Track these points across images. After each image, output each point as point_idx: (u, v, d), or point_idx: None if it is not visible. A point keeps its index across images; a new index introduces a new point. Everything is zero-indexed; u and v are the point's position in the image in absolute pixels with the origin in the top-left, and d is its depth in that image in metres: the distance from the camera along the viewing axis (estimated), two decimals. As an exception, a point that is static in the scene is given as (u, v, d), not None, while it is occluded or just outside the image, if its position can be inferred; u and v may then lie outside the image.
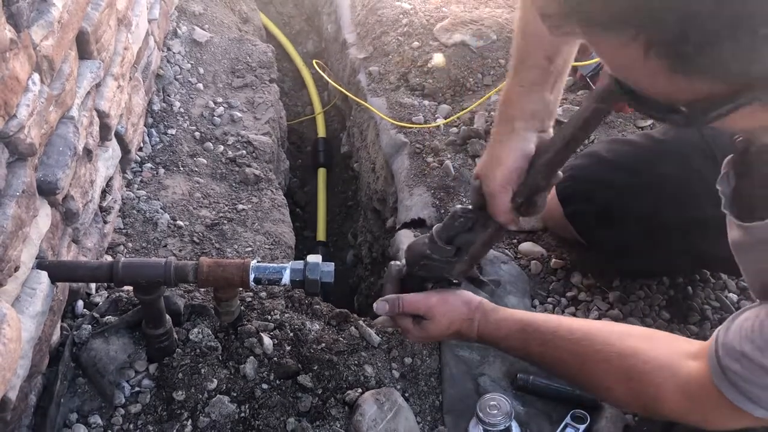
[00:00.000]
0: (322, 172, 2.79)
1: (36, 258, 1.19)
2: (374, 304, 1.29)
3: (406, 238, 1.81)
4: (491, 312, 1.27)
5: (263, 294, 1.53)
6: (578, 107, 2.09)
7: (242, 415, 1.28)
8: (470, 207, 1.25)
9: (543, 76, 1.17)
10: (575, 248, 1.71)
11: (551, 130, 1.20)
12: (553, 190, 1.62)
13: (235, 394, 1.30)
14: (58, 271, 1.23)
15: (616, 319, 1.57)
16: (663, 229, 1.42)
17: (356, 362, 1.38)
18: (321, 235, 2.59)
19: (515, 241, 1.78)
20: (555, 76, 1.18)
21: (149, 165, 1.89)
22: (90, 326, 1.35)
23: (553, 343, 1.16)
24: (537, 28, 1.13)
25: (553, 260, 1.70)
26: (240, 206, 1.86)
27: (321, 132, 2.91)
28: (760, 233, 0.89)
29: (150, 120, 2.03)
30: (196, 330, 1.36)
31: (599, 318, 1.57)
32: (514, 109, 1.18)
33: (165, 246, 1.67)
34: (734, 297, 1.66)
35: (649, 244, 1.47)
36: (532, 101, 1.17)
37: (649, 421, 1.30)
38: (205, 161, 1.96)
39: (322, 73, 2.59)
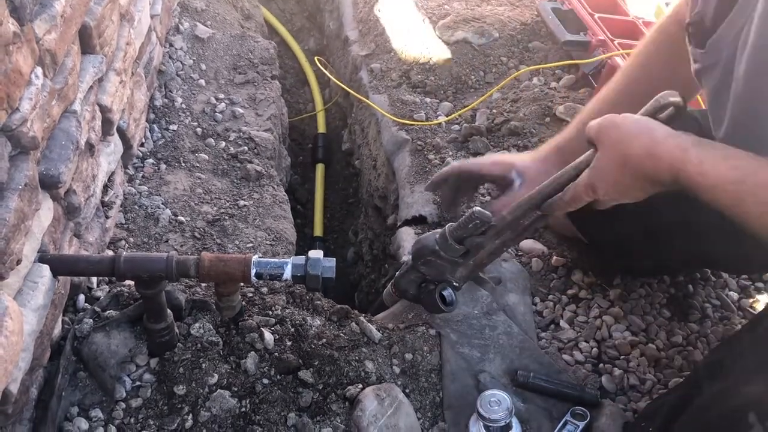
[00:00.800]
0: (320, 168, 2.79)
1: (38, 251, 1.19)
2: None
3: (407, 235, 1.81)
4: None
5: (264, 289, 1.54)
6: (581, 105, 2.10)
7: (243, 409, 1.28)
8: (485, 212, 1.23)
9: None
10: (576, 246, 1.71)
11: None
12: None
13: (236, 389, 1.30)
14: (59, 265, 1.23)
15: (616, 317, 1.58)
16: (663, 227, 1.42)
17: (357, 358, 1.38)
18: (318, 231, 2.59)
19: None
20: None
21: (151, 160, 1.89)
22: (91, 320, 1.36)
23: None
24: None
25: (554, 258, 1.70)
26: (241, 202, 1.86)
27: (321, 128, 2.91)
28: None
29: (152, 115, 2.03)
30: (197, 325, 1.36)
31: (599, 316, 1.58)
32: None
33: (166, 241, 1.67)
34: (735, 295, 1.67)
35: (649, 242, 1.48)
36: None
37: (647, 417, 1.31)
38: (206, 157, 1.97)
39: (324, 70, 2.59)
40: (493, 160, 1.42)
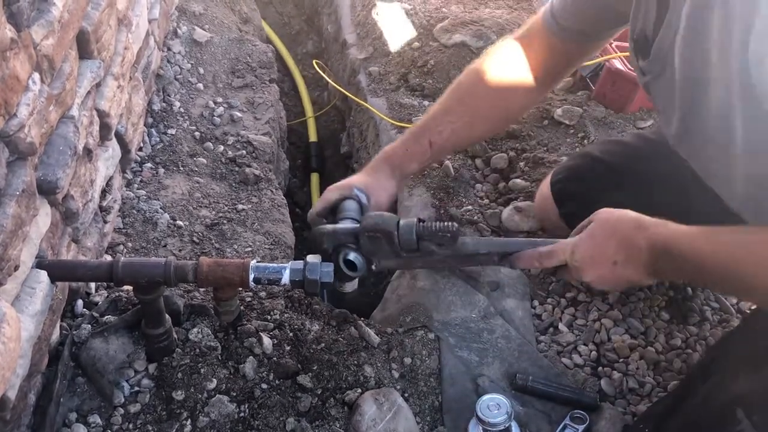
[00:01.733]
0: (315, 177, 2.78)
1: (36, 257, 1.19)
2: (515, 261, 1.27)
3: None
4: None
5: (263, 294, 1.54)
6: (578, 108, 2.10)
7: (242, 414, 1.28)
8: (457, 234, 1.26)
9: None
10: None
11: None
12: (549, 191, 1.63)
13: (234, 394, 1.30)
14: (57, 271, 1.23)
15: (615, 320, 1.57)
16: None
17: (356, 362, 1.38)
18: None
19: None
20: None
21: (149, 165, 1.89)
22: (89, 326, 1.35)
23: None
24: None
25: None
26: (240, 206, 1.86)
27: (312, 136, 2.88)
28: None
29: (150, 120, 2.03)
30: (195, 330, 1.36)
31: (599, 319, 1.58)
32: None
33: (165, 246, 1.67)
34: (733, 298, 1.67)
35: None
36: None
37: (645, 420, 1.31)
38: (205, 161, 1.97)
39: (322, 74, 2.59)
40: (329, 188, 1.47)
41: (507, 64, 1.50)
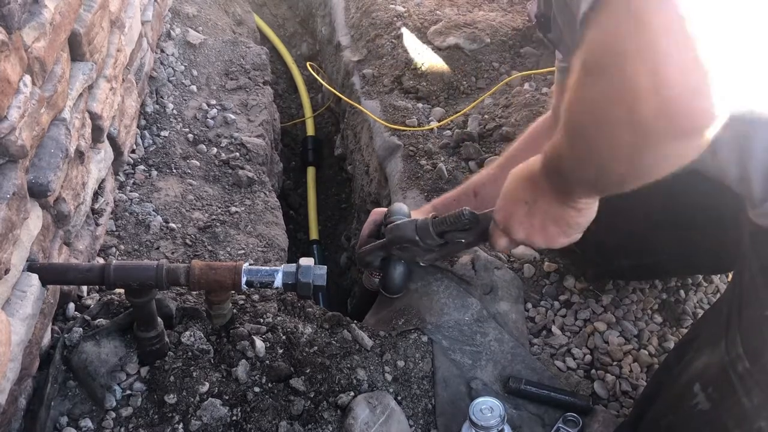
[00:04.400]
0: (311, 171, 2.79)
1: (27, 260, 1.19)
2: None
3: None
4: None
5: (256, 297, 1.53)
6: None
7: (234, 418, 1.27)
8: (476, 213, 1.32)
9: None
10: (568, 251, 1.71)
11: None
12: None
13: (227, 398, 1.29)
14: (48, 274, 1.22)
15: (609, 323, 1.58)
16: (650, 227, 1.43)
17: (349, 365, 1.38)
18: (314, 234, 2.59)
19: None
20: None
21: (142, 167, 1.89)
22: (81, 329, 1.35)
23: None
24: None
25: (546, 263, 1.70)
26: (233, 208, 1.85)
27: (310, 130, 2.91)
28: None
29: (143, 122, 2.02)
30: (188, 333, 1.36)
31: (592, 321, 1.58)
32: None
33: (157, 248, 1.67)
34: (726, 301, 1.67)
35: (636, 243, 1.48)
36: None
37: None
38: (198, 163, 1.96)
39: (316, 76, 2.59)
40: (374, 211, 1.61)
41: (538, 127, 1.55)
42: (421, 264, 1.47)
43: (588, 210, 1.08)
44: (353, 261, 2.39)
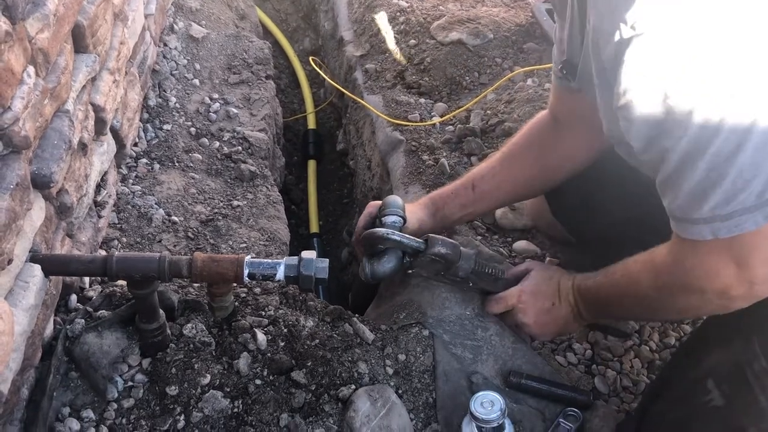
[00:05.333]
0: (312, 164, 2.79)
1: (29, 251, 1.19)
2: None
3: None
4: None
5: (257, 290, 1.53)
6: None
7: (235, 410, 1.27)
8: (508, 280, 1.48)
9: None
10: (568, 246, 1.71)
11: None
12: None
13: (228, 390, 1.30)
14: (51, 265, 1.22)
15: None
16: (645, 219, 1.43)
17: (350, 359, 1.38)
18: (314, 228, 2.59)
19: (510, 239, 1.78)
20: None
21: (144, 160, 1.89)
22: (83, 320, 1.35)
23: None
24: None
25: (548, 259, 1.70)
26: (235, 202, 1.85)
27: (311, 124, 2.92)
28: None
29: (146, 115, 2.02)
30: (189, 325, 1.36)
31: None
32: None
33: (159, 241, 1.67)
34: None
35: (633, 235, 1.47)
36: None
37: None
38: (200, 157, 1.96)
39: (319, 71, 2.59)
40: (370, 204, 1.62)
41: (537, 123, 1.58)
42: (409, 271, 1.47)
43: (584, 326, 1.48)
44: (354, 256, 2.39)
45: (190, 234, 1.71)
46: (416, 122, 2.18)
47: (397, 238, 1.42)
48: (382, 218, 1.49)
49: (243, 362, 1.33)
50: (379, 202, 1.57)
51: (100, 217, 1.58)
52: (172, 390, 1.27)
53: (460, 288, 1.52)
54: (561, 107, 1.49)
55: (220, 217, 1.78)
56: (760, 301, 1.08)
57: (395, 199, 1.54)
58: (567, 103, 1.46)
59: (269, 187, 1.97)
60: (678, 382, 1.22)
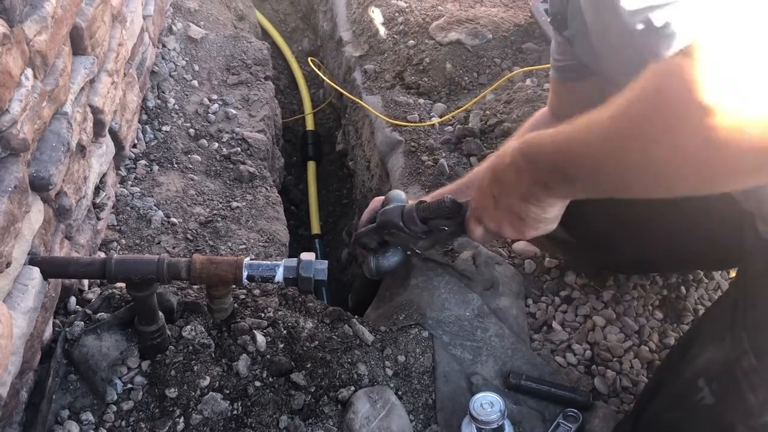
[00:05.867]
0: (311, 166, 2.79)
1: (28, 254, 1.19)
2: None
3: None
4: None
5: (257, 291, 1.53)
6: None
7: (235, 412, 1.27)
8: (458, 201, 1.31)
9: None
10: (568, 247, 1.71)
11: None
12: None
13: (227, 392, 1.30)
14: (50, 268, 1.22)
15: (609, 319, 1.57)
16: (640, 219, 1.42)
17: (349, 360, 1.38)
18: (315, 229, 2.59)
19: (509, 240, 1.78)
20: None
21: (143, 162, 1.89)
22: (82, 323, 1.35)
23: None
24: None
25: (547, 259, 1.70)
26: (234, 204, 1.85)
27: (309, 125, 2.92)
28: None
29: (144, 117, 2.02)
30: (189, 327, 1.36)
31: (592, 317, 1.58)
32: None
33: (158, 243, 1.67)
34: (727, 297, 1.67)
35: (629, 235, 1.47)
36: None
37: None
38: (199, 158, 1.96)
39: (317, 71, 2.58)
40: (375, 199, 1.62)
41: (536, 121, 1.57)
42: (417, 251, 1.47)
43: (553, 208, 1.07)
44: (354, 256, 2.39)
45: (189, 235, 1.71)
46: (415, 123, 2.18)
47: (364, 231, 1.47)
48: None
49: (242, 364, 1.33)
50: (383, 197, 1.58)
51: (98, 219, 1.58)
52: (172, 392, 1.27)
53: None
54: (560, 104, 1.49)
55: (219, 219, 1.78)
56: (751, 297, 1.08)
57: (398, 193, 1.55)
58: (566, 100, 1.46)
59: (268, 188, 1.97)
60: (672, 382, 1.21)
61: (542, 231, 1.14)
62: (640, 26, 0.87)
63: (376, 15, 2.67)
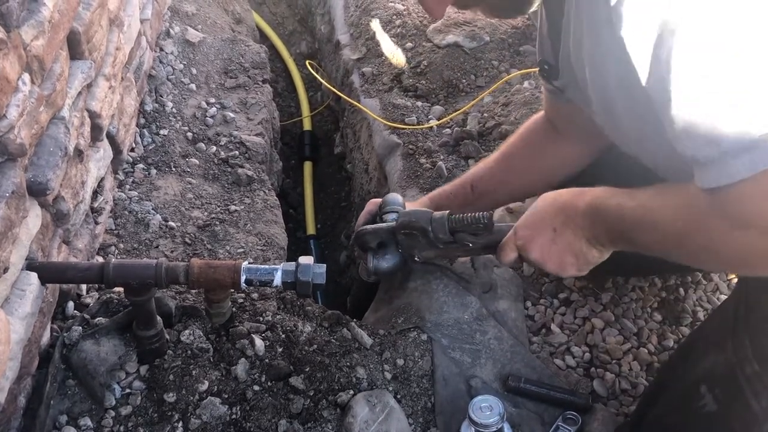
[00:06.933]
0: (308, 166, 2.80)
1: (26, 259, 1.19)
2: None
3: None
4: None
5: (255, 295, 1.53)
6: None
7: (233, 416, 1.27)
8: (494, 221, 1.32)
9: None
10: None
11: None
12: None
13: (226, 396, 1.29)
14: (48, 273, 1.22)
15: (607, 321, 1.57)
16: None
17: (348, 364, 1.38)
18: (311, 229, 2.59)
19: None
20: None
21: (141, 165, 1.88)
22: (80, 328, 1.35)
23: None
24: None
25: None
26: (232, 207, 1.85)
27: (306, 125, 2.93)
28: None
29: (142, 120, 2.02)
30: (187, 332, 1.36)
31: (591, 320, 1.58)
32: None
33: (157, 247, 1.67)
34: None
35: None
36: None
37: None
38: (197, 162, 1.96)
39: (315, 74, 2.58)
40: (370, 201, 1.62)
41: (533, 125, 1.58)
42: (416, 259, 1.46)
43: (609, 253, 1.18)
44: (353, 259, 2.39)
45: (187, 239, 1.71)
46: (413, 125, 2.18)
47: (370, 228, 1.44)
48: (383, 216, 1.50)
49: (241, 368, 1.33)
50: (380, 200, 1.58)
51: (96, 223, 1.58)
52: (170, 397, 1.26)
53: (474, 257, 1.52)
54: (554, 113, 1.50)
55: (217, 222, 1.78)
56: (754, 302, 1.07)
57: (395, 196, 1.55)
58: (559, 110, 1.46)
59: (266, 191, 1.97)
60: (674, 387, 1.21)
61: (582, 273, 1.23)
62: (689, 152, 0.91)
63: (374, 22, 2.67)
